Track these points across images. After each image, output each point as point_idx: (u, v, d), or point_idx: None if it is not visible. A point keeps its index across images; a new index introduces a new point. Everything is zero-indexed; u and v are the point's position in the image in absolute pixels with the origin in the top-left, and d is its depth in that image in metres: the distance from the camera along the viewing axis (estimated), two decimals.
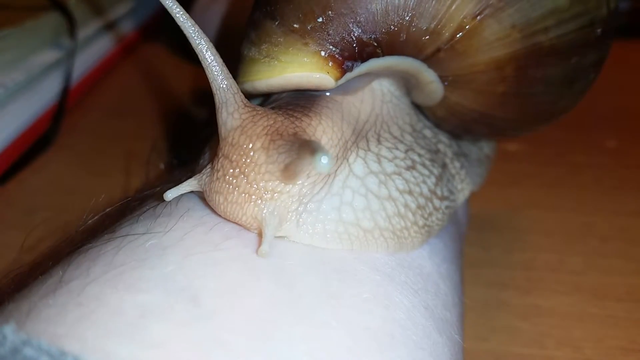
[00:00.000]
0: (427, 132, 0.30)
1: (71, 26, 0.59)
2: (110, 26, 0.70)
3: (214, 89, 0.23)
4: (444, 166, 0.29)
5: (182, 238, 0.22)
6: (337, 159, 0.24)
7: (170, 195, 0.23)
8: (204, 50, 0.22)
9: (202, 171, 0.24)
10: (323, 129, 0.24)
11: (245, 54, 0.26)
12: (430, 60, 0.25)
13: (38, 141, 0.53)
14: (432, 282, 0.25)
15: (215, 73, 0.22)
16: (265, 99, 0.28)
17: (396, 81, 0.28)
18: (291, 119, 0.23)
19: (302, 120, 0.23)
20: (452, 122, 0.30)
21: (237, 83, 0.26)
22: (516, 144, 0.54)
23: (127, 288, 0.19)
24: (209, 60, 0.22)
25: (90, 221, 0.26)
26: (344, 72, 0.24)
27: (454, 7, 0.24)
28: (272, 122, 0.23)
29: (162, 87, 0.65)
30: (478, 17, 0.24)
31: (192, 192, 0.24)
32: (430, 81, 0.26)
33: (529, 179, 0.50)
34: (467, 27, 0.24)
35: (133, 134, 0.56)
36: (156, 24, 0.79)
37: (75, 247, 0.22)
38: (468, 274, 0.36)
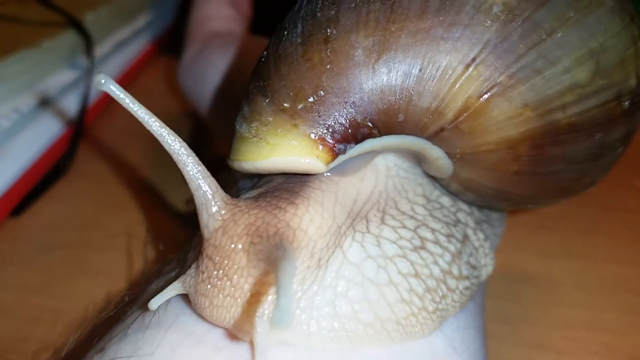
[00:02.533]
0: (445, 201, 0.28)
1: (88, 45, 0.58)
2: (126, 42, 0.69)
3: (192, 190, 0.21)
4: (465, 239, 0.27)
5: (169, 357, 0.20)
6: (328, 248, 0.22)
7: (154, 305, 0.22)
8: (177, 148, 0.21)
9: (187, 272, 0.23)
10: (310, 217, 0.22)
11: (237, 129, 0.24)
12: (434, 138, 0.23)
13: (53, 168, 0.52)
14: None
15: (192, 174, 0.21)
16: (261, 176, 0.26)
17: (405, 154, 0.26)
18: (275, 211, 0.22)
19: (286, 212, 0.22)
20: (469, 197, 0.27)
21: (228, 160, 0.24)
22: None
23: None
24: (184, 160, 0.21)
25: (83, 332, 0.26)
26: (335, 155, 0.22)
27: (457, 85, 0.22)
28: (253, 219, 0.21)
29: (177, 100, 0.64)
30: (485, 96, 0.22)
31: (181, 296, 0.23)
32: (437, 157, 0.24)
33: (559, 222, 0.47)
34: (472, 107, 0.22)
35: (150, 159, 0.55)
36: (171, 36, 0.78)
37: None
38: (503, 332, 0.36)
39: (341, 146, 0.22)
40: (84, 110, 0.55)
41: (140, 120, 0.21)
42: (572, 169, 0.25)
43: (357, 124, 0.22)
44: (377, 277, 0.23)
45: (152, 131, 0.21)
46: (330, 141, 0.22)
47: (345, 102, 0.22)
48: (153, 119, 0.21)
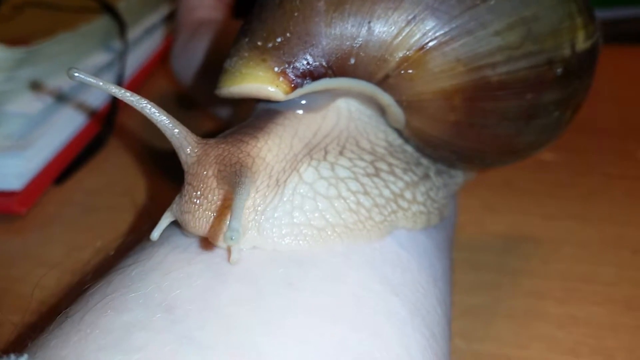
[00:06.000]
0: (408, 148, 0.31)
1: (121, 29, 0.63)
2: (153, 28, 0.74)
3: (168, 137, 0.26)
4: (425, 177, 0.31)
5: (161, 261, 0.25)
6: (285, 172, 0.27)
7: (155, 235, 0.27)
8: (148, 109, 0.26)
9: (173, 202, 0.27)
10: (268, 147, 0.26)
11: (223, 65, 0.29)
12: (382, 84, 0.27)
13: (92, 142, 0.57)
14: (390, 252, 0.27)
15: (165, 124, 0.26)
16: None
17: (366, 102, 0.30)
18: (238, 144, 0.26)
19: (248, 144, 0.26)
20: (426, 150, 0.31)
21: (216, 91, 0.29)
22: (551, 153, 0.57)
23: (115, 311, 0.23)
24: (156, 116, 0.26)
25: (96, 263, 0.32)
26: (293, 87, 0.27)
27: (399, 38, 0.26)
28: (220, 151, 0.26)
29: None
30: (423, 49, 0.26)
31: (173, 225, 0.28)
32: (389, 104, 0.28)
33: (563, 189, 0.52)
34: (412, 58, 0.26)
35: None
36: None
37: (82, 290, 0.26)
38: (507, 282, 0.41)
39: (299, 80, 0.27)
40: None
41: (114, 94, 0.26)
42: (507, 125, 0.28)
43: (313, 63, 0.26)
44: (328, 192, 0.27)
45: (127, 101, 0.26)
46: (290, 75, 0.26)
47: (306, 44, 0.26)
48: (124, 92, 0.26)
